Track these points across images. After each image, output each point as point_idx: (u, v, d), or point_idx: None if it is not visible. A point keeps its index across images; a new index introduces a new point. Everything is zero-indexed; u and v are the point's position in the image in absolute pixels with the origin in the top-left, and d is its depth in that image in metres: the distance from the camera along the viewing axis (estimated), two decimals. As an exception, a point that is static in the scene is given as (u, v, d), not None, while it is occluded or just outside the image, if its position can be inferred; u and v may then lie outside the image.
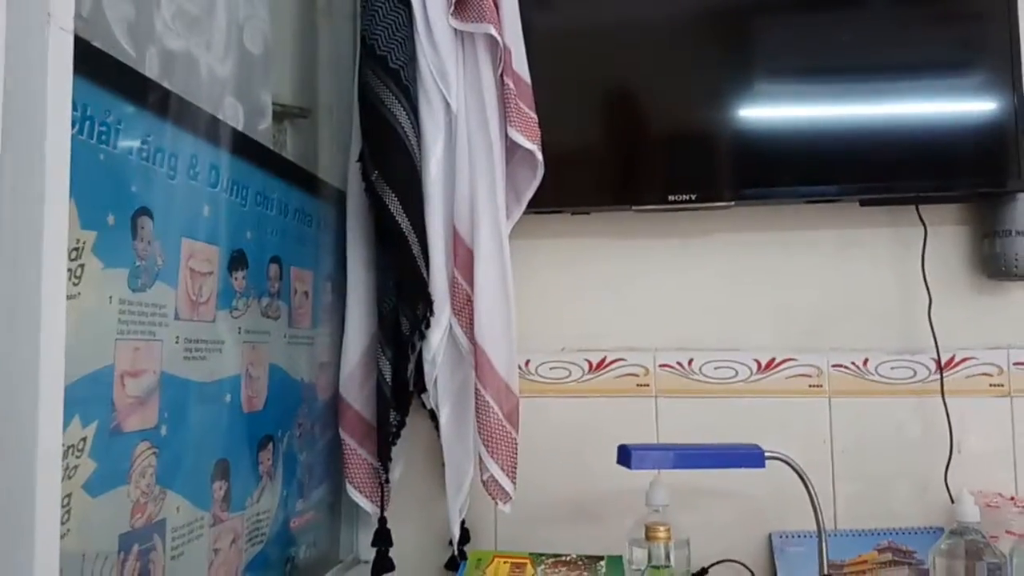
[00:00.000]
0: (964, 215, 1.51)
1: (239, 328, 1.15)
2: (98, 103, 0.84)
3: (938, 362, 1.48)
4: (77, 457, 0.81)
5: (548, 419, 1.55)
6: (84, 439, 0.82)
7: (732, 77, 1.49)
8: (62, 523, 0.76)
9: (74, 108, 0.76)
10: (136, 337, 0.91)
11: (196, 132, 1.04)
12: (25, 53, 0.69)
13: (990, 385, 1.48)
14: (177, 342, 0.99)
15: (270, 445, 1.25)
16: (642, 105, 1.54)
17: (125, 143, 0.88)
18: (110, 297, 0.86)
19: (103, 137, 0.84)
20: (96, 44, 0.84)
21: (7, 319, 0.69)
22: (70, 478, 0.80)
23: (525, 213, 1.47)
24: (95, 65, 0.83)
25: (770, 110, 1.50)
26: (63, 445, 0.75)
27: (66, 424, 0.75)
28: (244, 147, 1.17)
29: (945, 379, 1.47)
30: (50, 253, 0.70)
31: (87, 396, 0.82)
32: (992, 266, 1.45)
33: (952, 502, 1.35)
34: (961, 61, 1.44)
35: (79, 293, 0.81)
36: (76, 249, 0.80)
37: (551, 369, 1.59)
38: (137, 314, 0.91)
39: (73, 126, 0.77)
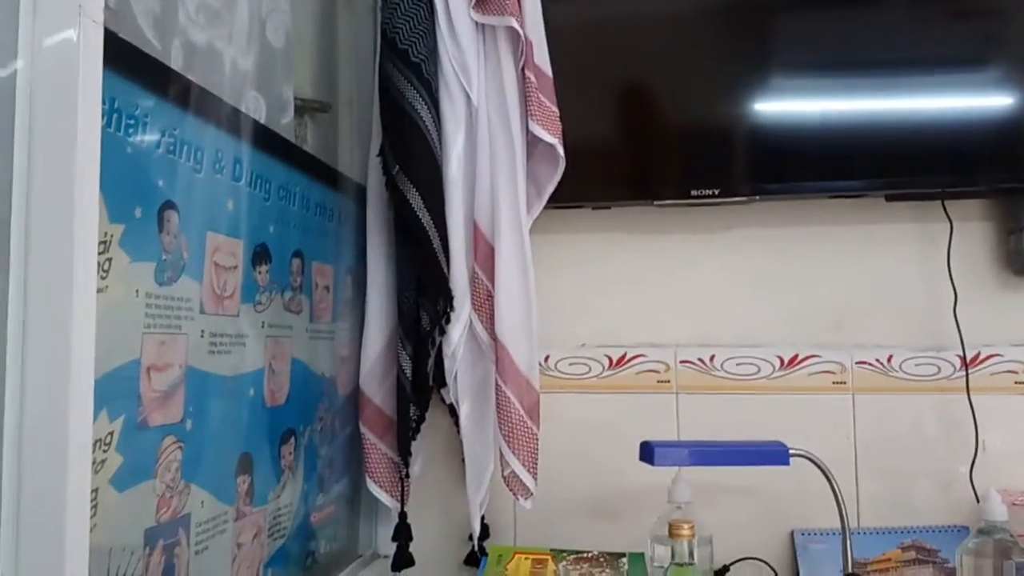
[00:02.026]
0: (990, 211, 1.49)
1: (262, 322, 1.15)
2: (126, 96, 0.83)
3: (963, 359, 1.46)
4: (104, 451, 0.81)
5: (568, 415, 1.54)
6: (111, 433, 0.82)
7: (753, 71, 1.48)
8: (90, 517, 0.76)
9: (103, 101, 0.76)
10: (162, 331, 0.91)
11: (220, 126, 1.03)
12: (56, 45, 0.69)
13: (1015, 383, 1.46)
14: (202, 336, 0.99)
15: (292, 439, 1.25)
16: (662, 99, 1.52)
17: (152, 136, 0.88)
18: (137, 291, 0.86)
19: (130, 130, 0.84)
20: (123, 36, 0.83)
21: (38, 313, 0.69)
22: (97, 472, 0.79)
23: (546, 208, 1.46)
24: (123, 58, 0.82)
25: (791, 104, 1.48)
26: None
27: (94, 418, 0.75)
28: (267, 141, 1.17)
29: (970, 376, 1.45)
30: (80, 247, 0.70)
31: (114, 390, 0.82)
32: (1018, 262, 1.44)
33: (977, 500, 1.34)
34: (981, 55, 1.42)
35: (107, 287, 0.80)
36: (104, 242, 0.80)
37: (571, 365, 1.58)
38: (163, 308, 0.91)
39: (101, 119, 0.76)
